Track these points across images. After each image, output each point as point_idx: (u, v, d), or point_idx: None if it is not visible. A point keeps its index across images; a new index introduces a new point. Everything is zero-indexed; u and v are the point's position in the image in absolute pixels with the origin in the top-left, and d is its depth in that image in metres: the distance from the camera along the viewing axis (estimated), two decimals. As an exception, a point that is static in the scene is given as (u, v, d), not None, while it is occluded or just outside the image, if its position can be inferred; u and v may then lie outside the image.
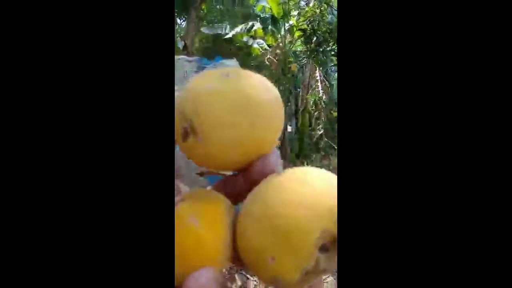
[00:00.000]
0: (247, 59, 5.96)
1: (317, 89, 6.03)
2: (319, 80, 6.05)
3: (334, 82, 5.88)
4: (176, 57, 1.70)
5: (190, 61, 1.72)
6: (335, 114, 5.63)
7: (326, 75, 6.35)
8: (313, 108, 5.95)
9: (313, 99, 5.80)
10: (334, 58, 5.03)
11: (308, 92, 6.22)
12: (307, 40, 4.88)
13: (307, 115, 6.18)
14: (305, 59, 5.37)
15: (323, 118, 5.70)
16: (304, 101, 6.23)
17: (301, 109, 6.31)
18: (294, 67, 5.87)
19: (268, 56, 6.00)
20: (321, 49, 4.73)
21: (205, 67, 1.63)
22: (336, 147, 5.29)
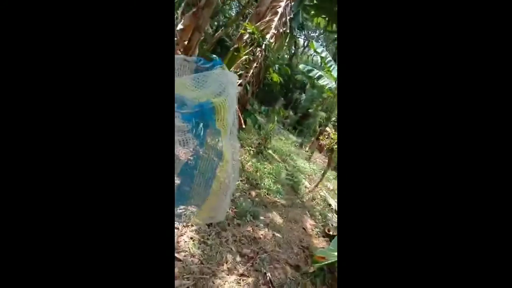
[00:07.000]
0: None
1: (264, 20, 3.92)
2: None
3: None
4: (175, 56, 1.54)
5: (188, 61, 1.59)
6: (275, 77, 3.75)
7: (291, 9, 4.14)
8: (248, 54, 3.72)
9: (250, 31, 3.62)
10: None
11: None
12: None
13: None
14: None
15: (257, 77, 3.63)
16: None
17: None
18: None
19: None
20: None
21: (203, 67, 1.57)
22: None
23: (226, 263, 2.56)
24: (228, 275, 2.44)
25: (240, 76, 3.71)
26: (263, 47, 3.80)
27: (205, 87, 1.33)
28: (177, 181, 1.40)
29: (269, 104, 9.71)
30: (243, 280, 2.45)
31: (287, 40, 5.41)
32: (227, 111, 1.26)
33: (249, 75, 3.69)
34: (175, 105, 1.15)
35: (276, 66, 3.92)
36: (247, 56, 3.75)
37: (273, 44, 4.14)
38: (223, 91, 1.30)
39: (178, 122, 1.19)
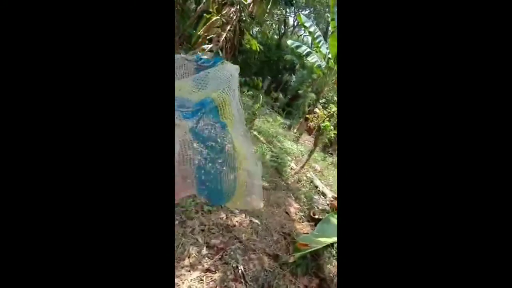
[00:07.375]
0: None
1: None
2: None
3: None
4: (175, 55, 1.54)
5: (189, 60, 1.58)
6: (253, 44, 3.44)
7: None
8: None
9: None
10: None
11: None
12: None
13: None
14: None
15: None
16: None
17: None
18: None
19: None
20: None
21: (204, 65, 1.56)
22: None
23: (189, 257, 2.15)
24: (189, 271, 2.04)
25: (210, 41, 3.17)
26: (238, 7, 3.24)
27: (206, 86, 1.35)
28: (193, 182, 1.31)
29: (249, 77, 9.12)
30: (207, 276, 2.07)
31: (269, 5, 4.84)
32: (229, 103, 1.27)
33: (222, 40, 3.15)
34: (176, 105, 1.16)
35: (254, 30, 3.39)
36: (218, 17, 3.19)
37: (251, 5, 3.57)
38: (223, 85, 1.30)
39: (180, 121, 1.18)
